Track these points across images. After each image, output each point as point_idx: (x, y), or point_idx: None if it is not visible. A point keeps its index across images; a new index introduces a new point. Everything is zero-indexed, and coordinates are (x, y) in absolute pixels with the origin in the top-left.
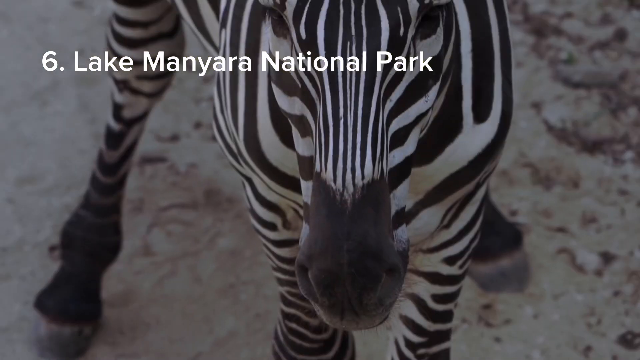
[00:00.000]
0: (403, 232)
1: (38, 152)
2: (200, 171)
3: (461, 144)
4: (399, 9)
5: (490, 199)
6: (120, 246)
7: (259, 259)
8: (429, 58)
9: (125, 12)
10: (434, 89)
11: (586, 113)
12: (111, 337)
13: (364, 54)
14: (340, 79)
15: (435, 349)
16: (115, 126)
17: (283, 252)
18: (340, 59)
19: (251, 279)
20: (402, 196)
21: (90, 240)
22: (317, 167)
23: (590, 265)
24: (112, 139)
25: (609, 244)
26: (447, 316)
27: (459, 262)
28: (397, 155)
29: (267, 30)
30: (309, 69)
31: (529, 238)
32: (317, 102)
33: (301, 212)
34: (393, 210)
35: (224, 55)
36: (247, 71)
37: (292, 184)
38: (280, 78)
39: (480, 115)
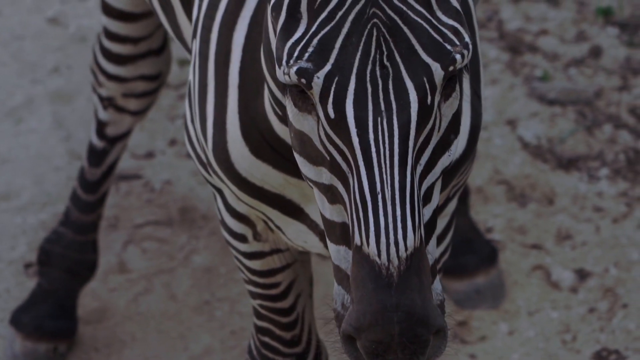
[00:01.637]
0: (438, 284)
1: (13, 169)
2: (175, 188)
3: None
4: (425, 79)
5: (469, 216)
6: (97, 264)
7: (234, 276)
8: (451, 116)
9: (117, 26)
10: (455, 142)
11: (561, 130)
12: (86, 354)
13: (395, 127)
14: (374, 155)
15: None
16: (98, 144)
17: (254, 264)
18: (372, 135)
19: (226, 296)
20: (433, 250)
21: (70, 257)
22: (358, 241)
23: (565, 282)
24: (94, 156)
25: (584, 261)
26: None
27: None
28: (427, 212)
29: (288, 105)
30: (340, 146)
31: (504, 255)
32: (350, 176)
33: (270, 223)
34: (430, 264)
35: (193, 66)
36: (216, 82)
37: (260, 195)
38: (304, 149)
39: None
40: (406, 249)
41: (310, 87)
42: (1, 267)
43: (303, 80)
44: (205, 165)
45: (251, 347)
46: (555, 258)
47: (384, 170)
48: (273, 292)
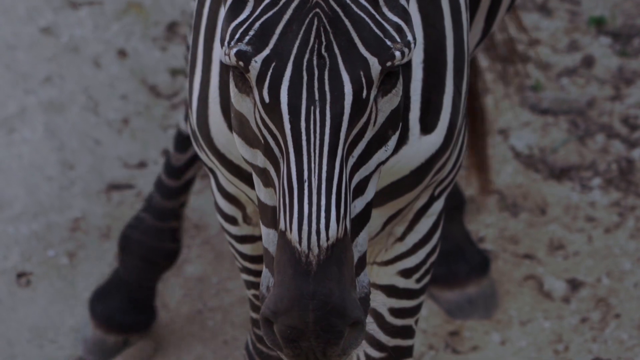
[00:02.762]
0: (365, 277)
1: (5, 178)
2: None
3: (405, 155)
4: (361, 72)
5: (464, 225)
6: (177, 255)
7: (227, 285)
8: (389, 112)
9: None
10: (394, 138)
11: (553, 140)
12: None
13: (328, 118)
14: (304, 142)
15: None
16: (186, 129)
17: (245, 248)
18: (303, 123)
19: (218, 305)
20: (363, 242)
21: (146, 244)
22: (282, 226)
23: (558, 292)
24: (181, 142)
25: (576, 271)
26: (406, 332)
27: (416, 276)
28: (358, 205)
29: (231, 85)
30: (273, 130)
31: (496, 265)
32: (281, 161)
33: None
34: (355, 258)
35: (191, 40)
36: (204, 56)
37: (239, 173)
38: (242, 130)
39: (428, 126)
40: (327, 239)
41: (248, 71)
42: None
43: (241, 63)
44: (200, 144)
45: (247, 342)
46: (547, 268)
47: (312, 158)
48: None
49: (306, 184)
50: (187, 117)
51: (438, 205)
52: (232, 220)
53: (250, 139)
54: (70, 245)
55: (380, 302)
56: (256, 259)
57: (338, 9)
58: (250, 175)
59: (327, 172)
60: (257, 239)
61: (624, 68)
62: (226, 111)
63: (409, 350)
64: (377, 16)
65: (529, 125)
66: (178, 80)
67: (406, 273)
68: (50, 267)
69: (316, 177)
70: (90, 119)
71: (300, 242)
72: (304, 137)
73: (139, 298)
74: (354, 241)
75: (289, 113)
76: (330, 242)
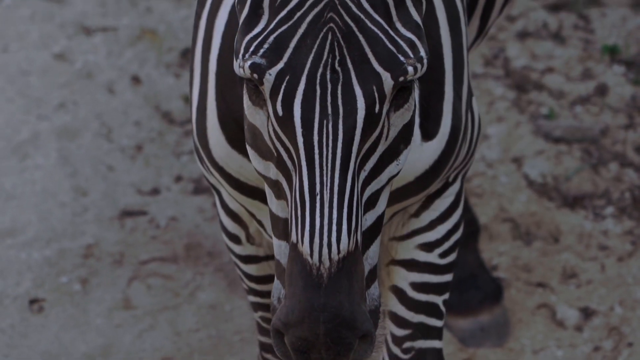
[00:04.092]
0: (375, 289)
1: (18, 205)
2: (181, 225)
3: (408, 162)
4: (374, 87)
5: (478, 252)
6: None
7: (239, 312)
8: (401, 126)
9: None
10: (405, 152)
11: (567, 168)
12: None
13: (340, 132)
14: (317, 156)
15: (421, 344)
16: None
17: (250, 269)
18: (316, 137)
19: (232, 333)
20: (374, 255)
21: None
22: (294, 238)
23: (570, 320)
24: None
25: (589, 300)
26: (431, 310)
27: (438, 251)
28: (369, 218)
29: (244, 97)
30: (286, 143)
31: (509, 293)
32: (293, 173)
33: (254, 222)
34: (366, 270)
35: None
36: (201, 67)
37: (239, 186)
38: (255, 142)
39: (429, 133)
40: (339, 252)
41: (262, 83)
42: (6, 303)
43: (255, 76)
44: (201, 157)
45: None
46: (560, 296)
47: (325, 172)
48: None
49: (318, 197)
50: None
51: (454, 187)
52: (235, 239)
53: (262, 152)
54: (83, 271)
55: (401, 277)
56: (261, 280)
57: (352, 24)
58: (251, 188)
59: (339, 185)
60: (261, 259)
61: (637, 96)
62: (224, 123)
63: (436, 331)
64: (391, 32)
65: (542, 154)
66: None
67: (426, 247)
68: (62, 294)
69: (328, 190)
70: (103, 145)
71: (311, 255)
72: (316, 151)
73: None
74: (365, 254)
75: (302, 126)
76: (341, 255)
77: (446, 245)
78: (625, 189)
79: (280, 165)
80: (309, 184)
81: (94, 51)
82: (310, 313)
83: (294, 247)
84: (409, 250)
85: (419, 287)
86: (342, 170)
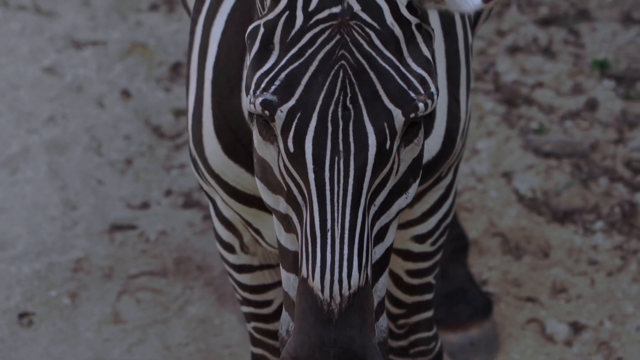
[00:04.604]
0: (383, 321)
1: (8, 218)
2: (170, 239)
3: None
4: (385, 124)
5: (467, 268)
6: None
7: (229, 326)
8: (411, 160)
9: None
10: (414, 186)
11: (557, 183)
12: None
13: (351, 169)
14: (328, 192)
15: (415, 319)
16: None
17: (244, 278)
18: (327, 173)
19: (221, 347)
20: (383, 287)
21: None
22: (304, 273)
23: (560, 335)
24: None
25: (579, 314)
26: (425, 289)
27: (429, 240)
28: (378, 251)
29: (254, 132)
30: (297, 179)
31: (499, 307)
32: (304, 208)
33: (251, 230)
34: (375, 303)
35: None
36: (197, 75)
37: (235, 194)
38: (265, 176)
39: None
40: (349, 288)
41: (273, 120)
42: None
43: (267, 112)
44: (197, 164)
45: None
46: (550, 311)
47: (336, 208)
48: (265, 310)
49: (329, 234)
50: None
51: (445, 181)
52: (229, 248)
53: (272, 185)
54: (72, 285)
55: (397, 265)
56: (255, 289)
57: (363, 61)
58: (248, 196)
59: (350, 221)
60: (255, 268)
61: (627, 111)
62: (220, 132)
63: (427, 304)
64: (402, 68)
65: (532, 168)
66: (182, 121)
67: (420, 239)
68: (52, 308)
69: (339, 226)
70: (93, 159)
71: (322, 291)
72: (327, 187)
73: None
74: (374, 286)
75: (314, 163)
76: (352, 290)
77: (437, 234)
78: (615, 204)
79: (291, 199)
80: (320, 220)
81: (84, 65)
82: (320, 348)
83: (304, 282)
84: (404, 241)
85: (413, 273)
86: (353, 206)
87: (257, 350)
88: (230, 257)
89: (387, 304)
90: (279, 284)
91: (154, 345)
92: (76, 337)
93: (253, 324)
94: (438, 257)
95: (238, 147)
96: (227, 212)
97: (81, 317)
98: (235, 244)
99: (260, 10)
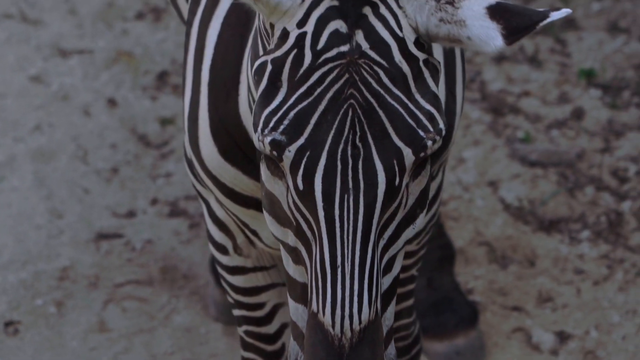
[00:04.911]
0: (392, 349)
1: None
2: (156, 248)
3: None
4: (395, 161)
5: (454, 276)
6: None
7: (215, 336)
8: (418, 192)
9: None
10: (422, 216)
11: (543, 192)
12: None
13: (361, 206)
14: (338, 229)
15: (397, 308)
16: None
17: (237, 280)
18: (337, 211)
19: (207, 356)
20: (391, 316)
21: None
22: (314, 308)
23: (546, 344)
24: None
25: (565, 323)
26: (407, 281)
27: (416, 241)
28: (386, 281)
29: (262, 166)
30: (306, 215)
31: (485, 316)
32: (313, 243)
33: (247, 231)
34: (384, 332)
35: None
36: (193, 76)
37: (233, 195)
38: (273, 209)
39: None
40: (360, 323)
41: (282, 160)
42: None
43: (275, 153)
44: (192, 165)
45: None
46: (535, 320)
47: (345, 245)
48: (258, 313)
49: (339, 270)
50: (184, 150)
51: (436, 182)
52: (222, 250)
53: (281, 219)
54: (58, 294)
55: None
56: (248, 292)
57: (372, 100)
58: (245, 198)
59: (360, 257)
60: (248, 270)
61: (613, 120)
62: (216, 135)
63: (409, 293)
64: (410, 105)
65: (518, 177)
66: (168, 129)
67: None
68: (38, 316)
69: (349, 263)
70: (79, 167)
71: (333, 326)
72: (337, 224)
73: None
74: (383, 316)
75: (323, 201)
76: (362, 325)
77: (423, 234)
78: (601, 213)
79: (300, 234)
80: (330, 257)
81: (70, 73)
82: None
83: (314, 316)
84: None
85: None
86: (363, 242)
87: (248, 354)
88: (223, 259)
89: None
90: (272, 286)
91: (140, 354)
92: (62, 346)
93: (245, 327)
94: (422, 252)
95: (235, 150)
96: (220, 213)
97: (67, 325)
98: (229, 245)
99: (265, 39)
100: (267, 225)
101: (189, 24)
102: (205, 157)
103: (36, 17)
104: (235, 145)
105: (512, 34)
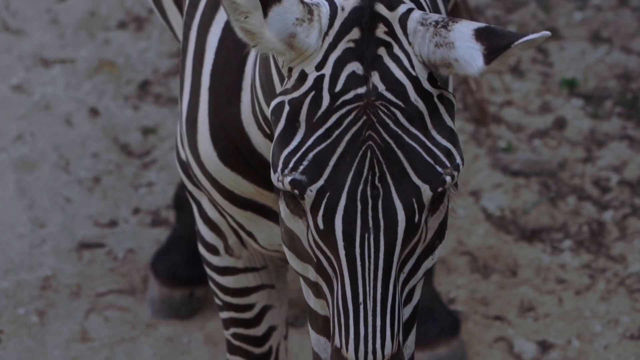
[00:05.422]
0: None
1: None
2: (138, 257)
3: None
4: (413, 199)
5: (433, 286)
6: None
7: (197, 345)
8: (437, 226)
9: None
10: (440, 247)
11: (525, 201)
12: None
13: (382, 244)
14: (359, 268)
15: None
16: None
17: (227, 281)
18: (358, 249)
19: None
20: (412, 344)
21: None
22: (337, 344)
23: (528, 354)
24: None
25: (547, 333)
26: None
27: None
28: (407, 311)
29: (281, 205)
30: (327, 253)
31: (467, 326)
32: (334, 280)
33: (242, 232)
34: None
35: (180, 62)
36: (192, 79)
37: (231, 197)
38: (293, 245)
39: None
40: (383, 357)
41: (303, 199)
42: None
43: (296, 192)
44: (187, 168)
45: None
46: (517, 330)
47: (367, 282)
48: (247, 315)
49: (361, 307)
50: (178, 142)
51: None
52: (213, 250)
53: (301, 255)
54: (41, 303)
55: None
56: (238, 292)
57: (390, 141)
58: (244, 200)
59: (382, 294)
60: (239, 271)
61: (595, 130)
62: (216, 140)
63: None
64: (428, 143)
65: (500, 187)
66: (150, 139)
67: None
68: (20, 326)
69: (371, 299)
70: (61, 177)
71: None
72: (358, 263)
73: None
74: (404, 345)
75: (344, 240)
76: (386, 359)
77: None
78: (583, 223)
79: (321, 270)
80: (352, 294)
81: (52, 83)
82: None
83: (337, 351)
84: None
85: None
86: (384, 279)
87: (235, 358)
88: (214, 259)
89: None
90: (261, 287)
91: None
92: (44, 355)
93: (232, 330)
94: None
95: (235, 155)
96: (212, 214)
97: (49, 335)
98: (220, 246)
99: (276, 69)
100: (287, 259)
101: (187, 26)
102: (205, 160)
103: (18, 26)
104: (235, 151)
105: (491, 54)
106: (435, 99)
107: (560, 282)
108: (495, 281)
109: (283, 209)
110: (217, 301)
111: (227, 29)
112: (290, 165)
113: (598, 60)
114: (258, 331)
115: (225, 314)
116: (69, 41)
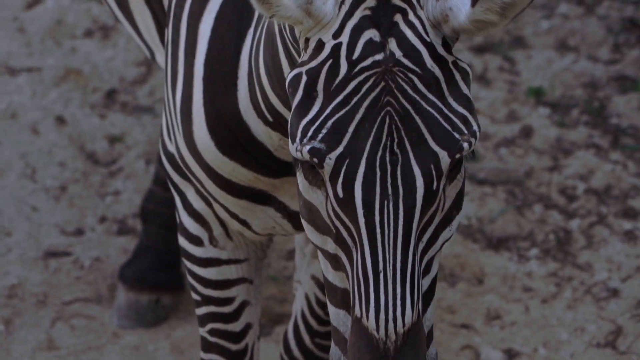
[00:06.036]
0: (433, 349)
1: None
2: (105, 265)
3: None
4: (432, 166)
5: None
6: None
7: (163, 353)
8: (454, 195)
9: None
10: (457, 218)
11: (491, 210)
12: None
13: (401, 211)
14: (379, 235)
15: None
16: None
17: (209, 272)
18: (377, 217)
19: None
20: (431, 317)
21: (162, 213)
22: (358, 313)
23: None
24: None
25: (513, 341)
26: None
27: None
28: (426, 282)
29: (299, 177)
30: (346, 222)
31: (433, 334)
32: (354, 250)
33: (235, 222)
34: (425, 333)
35: (167, 54)
36: (185, 70)
37: (227, 186)
38: (311, 218)
39: None
40: (404, 325)
41: (322, 167)
42: None
43: (315, 160)
44: (176, 160)
45: None
46: (484, 338)
47: (387, 250)
48: (226, 309)
49: (382, 275)
50: (163, 134)
51: None
52: (196, 241)
53: (320, 227)
54: (6, 312)
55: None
56: (220, 285)
57: (408, 107)
58: (241, 188)
59: (401, 262)
60: (222, 262)
61: (562, 139)
62: (213, 129)
63: None
64: (445, 109)
65: (467, 195)
66: (116, 147)
67: None
68: None
69: (391, 267)
70: (27, 185)
71: (377, 330)
72: (378, 231)
73: (166, 259)
74: (424, 317)
75: (363, 208)
76: (406, 328)
77: None
78: (549, 231)
79: (340, 241)
80: (372, 262)
81: (19, 91)
82: None
83: (358, 321)
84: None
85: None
86: (404, 247)
87: (210, 356)
88: (197, 251)
89: (320, 292)
90: (242, 280)
91: None
92: None
93: (210, 325)
94: None
95: (234, 144)
96: (198, 205)
97: (15, 343)
98: (204, 237)
99: (292, 47)
100: (306, 233)
101: (176, 18)
102: (202, 150)
103: None
104: (234, 140)
105: None
106: (451, 65)
107: (526, 290)
108: (462, 289)
109: (301, 181)
110: (196, 296)
111: (220, 18)
112: (309, 134)
113: (565, 69)
114: (236, 327)
115: (203, 309)
116: (36, 50)
